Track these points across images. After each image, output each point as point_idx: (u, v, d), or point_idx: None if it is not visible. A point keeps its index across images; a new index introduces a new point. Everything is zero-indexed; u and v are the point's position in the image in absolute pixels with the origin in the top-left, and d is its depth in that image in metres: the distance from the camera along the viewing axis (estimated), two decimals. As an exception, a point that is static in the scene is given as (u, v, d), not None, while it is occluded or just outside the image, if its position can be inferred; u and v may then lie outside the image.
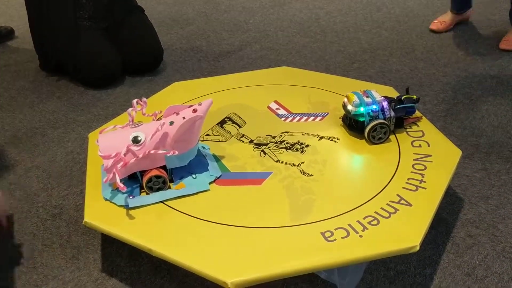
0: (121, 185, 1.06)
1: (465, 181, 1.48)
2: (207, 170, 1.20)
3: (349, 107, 1.29)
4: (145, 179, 1.13)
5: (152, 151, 1.10)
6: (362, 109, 1.27)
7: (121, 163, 1.08)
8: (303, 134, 1.35)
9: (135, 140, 1.10)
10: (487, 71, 2.12)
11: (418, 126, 1.36)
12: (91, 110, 1.97)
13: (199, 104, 1.15)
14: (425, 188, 1.13)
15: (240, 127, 1.40)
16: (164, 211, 1.10)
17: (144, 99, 1.20)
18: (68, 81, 2.19)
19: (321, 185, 1.15)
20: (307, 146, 1.30)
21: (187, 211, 1.09)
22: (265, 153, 1.28)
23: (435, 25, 2.53)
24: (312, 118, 1.43)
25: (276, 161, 1.25)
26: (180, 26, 2.74)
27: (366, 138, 1.28)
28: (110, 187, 1.16)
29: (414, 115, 1.36)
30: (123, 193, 1.13)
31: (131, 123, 1.17)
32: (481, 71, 2.13)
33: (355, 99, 1.27)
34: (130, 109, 1.18)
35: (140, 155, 1.10)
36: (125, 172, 1.11)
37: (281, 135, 1.35)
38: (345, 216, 1.06)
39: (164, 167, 1.14)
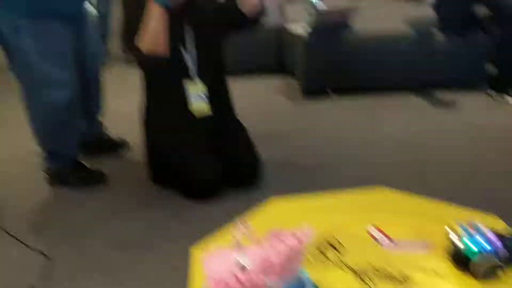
0: None
1: None
2: None
3: (458, 243, 1.24)
4: None
5: (257, 279, 1.11)
6: (472, 248, 1.21)
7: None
8: (406, 266, 1.30)
9: (241, 267, 1.13)
10: None
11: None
12: (192, 221, 2.05)
13: (302, 233, 1.17)
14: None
15: (340, 252, 1.39)
16: None
17: (249, 222, 1.25)
18: (173, 192, 2.31)
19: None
20: (411, 280, 1.25)
21: None
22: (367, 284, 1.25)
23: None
24: (416, 247, 1.38)
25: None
26: (277, 141, 2.82)
27: (477, 278, 1.21)
28: None
29: None
30: None
31: (238, 246, 1.20)
32: None
33: (463, 234, 1.23)
34: (236, 231, 1.22)
35: (247, 284, 1.11)
36: None
37: (383, 265, 1.31)
38: None
39: None
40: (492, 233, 1.23)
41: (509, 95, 3.11)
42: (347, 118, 3.09)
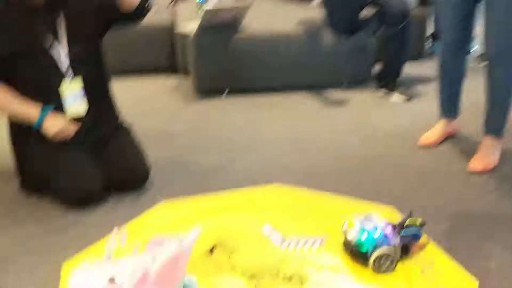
0: None
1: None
2: None
3: (349, 237, 1.18)
4: None
5: None
6: (363, 239, 1.16)
7: None
8: (301, 264, 1.22)
9: (112, 282, 0.97)
10: (485, 186, 2.06)
11: (425, 251, 1.25)
12: (69, 233, 1.84)
13: (185, 236, 1.04)
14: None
15: (231, 255, 1.28)
16: None
17: (125, 230, 1.09)
18: (49, 201, 2.07)
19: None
20: (307, 278, 1.17)
21: None
22: None
23: (425, 140, 2.51)
24: (309, 243, 1.31)
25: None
26: (168, 142, 2.69)
27: (372, 269, 1.16)
28: None
29: (420, 240, 1.25)
30: None
31: (109, 258, 1.04)
32: (480, 185, 2.07)
33: (356, 226, 1.17)
34: (109, 243, 1.06)
35: None
36: None
37: (277, 265, 1.22)
38: None
39: None
40: (386, 223, 1.19)
41: (394, 93, 3.23)
42: (240, 118, 3.01)
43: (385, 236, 1.17)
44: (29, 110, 1.99)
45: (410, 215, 1.26)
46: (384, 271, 1.16)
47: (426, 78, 3.59)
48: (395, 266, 1.17)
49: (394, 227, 1.20)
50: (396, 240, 1.18)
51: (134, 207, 2.00)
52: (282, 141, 2.65)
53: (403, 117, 2.91)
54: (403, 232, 1.20)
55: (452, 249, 1.62)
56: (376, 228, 1.17)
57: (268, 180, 2.17)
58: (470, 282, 1.15)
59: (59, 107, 2.05)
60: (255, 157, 2.46)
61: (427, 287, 1.12)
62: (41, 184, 2.10)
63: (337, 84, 3.48)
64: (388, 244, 1.16)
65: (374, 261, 1.15)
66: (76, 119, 2.08)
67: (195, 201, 1.60)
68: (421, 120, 2.84)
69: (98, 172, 2.07)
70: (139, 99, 3.43)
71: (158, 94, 3.50)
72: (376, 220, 1.20)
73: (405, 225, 1.22)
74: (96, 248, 1.33)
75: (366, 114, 2.98)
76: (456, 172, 2.21)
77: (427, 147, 2.49)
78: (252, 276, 1.18)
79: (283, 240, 1.32)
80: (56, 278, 1.55)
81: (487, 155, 2.24)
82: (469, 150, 2.40)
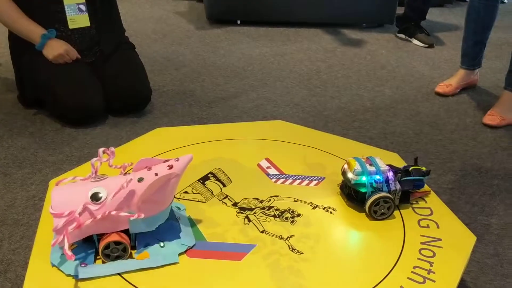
0: (69, 253, 0.86)
1: (475, 267, 1.30)
2: (179, 237, 1.01)
3: (350, 175, 1.12)
4: (102, 244, 0.93)
5: (113, 212, 0.92)
6: (364, 179, 1.10)
7: (74, 224, 0.90)
8: (295, 201, 1.18)
9: (95, 197, 0.92)
10: (498, 142, 1.98)
11: (425, 202, 1.19)
12: (64, 150, 1.80)
13: (176, 160, 0.97)
14: (434, 281, 0.95)
15: (224, 186, 1.23)
16: (121, 287, 0.91)
17: (112, 148, 1.03)
18: (46, 116, 2.03)
19: (312, 267, 0.97)
20: (298, 215, 1.12)
21: (145, 286, 0.90)
22: (249, 220, 1.10)
23: (441, 88, 2.41)
24: (306, 182, 1.26)
25: (262, 232, 1.07)
26: (174, 68, 2.61)
27: (367, 212, 1.11)
28: (61, 250, 0.96)
29: (422, 189, 1.19)
30: (76, 259, 0.94)
31: (94, 175, 0.99)
32: (491, 141, 1.98)
33: (357, 166, 1.11)
34: (95, 159, 1.00)
35: (99, 216, 0.91)
36: (78, 235, 0.92)
37: (270, 200, 1.18)
38: (338, 311, 0.87)
39: (126, 231, 0.96)
40: (389, 168, 1.12)
41: (415, 38, 3.09)
42: (252, 49, 2.90)
43: (386, 180, 1.11)
44: (32, 32, 1.91)
45: (415, 163, 1.20)
46: (380, 216, 1.11)
47: (451, 26, 3.43)
48: (392, 212, 1.12)
49: (396, 172, 1.14)
50: (396, 186, 1.12)
51: (133, 130, 1.95)
52: (294, 77, 2.55)
53: (422, 64, 2.78)
54: (405, 179, 1.14)
55: (454, 202, 1.58)
56: (377, 172, 1.11)
57: (275, 116, 2.11)
58: (468, 237, 1.09)
59: (62, 21, 1.96)
60: (264, 91, 2.37)
61: (422, 238, 1.07)
62: (40, 97, 2.05)
63: (355, 24, 3.33)
64: (388, 189, 1.11)
65: (371, 204, 1.09)
66: (79, 30, 1.99)
67: (194, 129, 1.54)
68: (440, 68, 2.72)
69: (98, 87, 2.00)
70: (147, 20, 3.32)
71: (168, 16, 3.38)
72: (379, 163, 1.13)
73: (410, 170, 1.16)
74: (82, 169, 1.30)
75: (383, 57, 2.85)
76: (469, 124, 2.12)
77: (443, 96, 2.39)
78: (244, 209, 1.14)
79: (280, 176, 1.27)
80: (45, 193, 1.54)
81: (504, 110, 2.14)
82: (486, 104, 2.30)
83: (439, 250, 1.04)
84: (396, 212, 1.14)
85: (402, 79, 2.57)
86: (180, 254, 0.98)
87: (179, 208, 1.11)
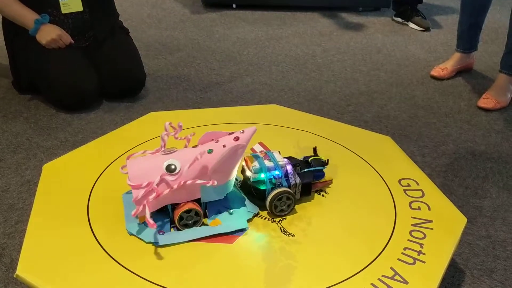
0: (151, 221, 0.91)
1: (467, 249, 1.31)
2: (244, 205, 1.06)
3: (248, 173, 1.07)
4: (178, 213, 0.98)
5: (189, 182, 0.96)
6: (263, 176, 1.06)
7: (154, 195, 0.94)
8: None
9: (169, 169, 0.96)
10: (492, 125, 1.98)
11: (417, 184, 1.20)
12: (59, 135, 1.80)
13: (242, 132, 1.01)
14: (424, 262, 0.96)
15: (217, 170, 1.23)
16: (116, 270, 0.91)
17: (180, 123, 1.06)
18: (40, 101, 2.03)
19: (303, 250, 0.98)
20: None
21: (138, 270, 0.91)
22: (242, 204, 1.11)
23: (437, 71, 2.41)
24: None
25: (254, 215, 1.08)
26: (169, 52, 2.60)
27: (268, 209, 1.07)
28: (136, 220, 1.00)
29: (323, 179, 1.15)
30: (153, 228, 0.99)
31: (163, 148, 1.03)
32: (485, 124, 1.99)
33: (255, 163, 1.06)
34: (164, 133, 1.04)
35: (175, 186, 0.95)
36: (156, 205, 0.97)
37: (263, 183, 1.18)
38: (329, 292, 0.88)
39: (197, 201, 1.00)
40: (287, 162, 1.09)
41: (412, 21, 3.08)
42: (248, 33, 2.89)
43: (286, 175, 1.07)
44: (25, 17, 1.90)
45: (314, 153, 1.17)
46: (281, 211, 1.07)
47: (448, 9, 3.42)
48: (293, 206, 1.08)
49: (295, 165, 1.10)
50: (296, 179, 1.08)
51: (127, 115, 1.95)
52: (289, 61, 2.54)
53: (418, 47, 2.77)
54: (304, 170, 1.10)
55: (448, 185, 1.59)
56: (276, 167, 1.06)
57: (270, 100, 2.11)
58: (459, 219, 1.10)
59: (55, 6, 1.95)
60: (259, 75, 2.37)
61: (413, 220, 1.08)
62: (34, 83, 2.04)
63: (352, 8, 3.32)
64: (288, 184, 1.07)
65: (272, 200, 1.05)
66: (72, 14, 1.98)
67: (188, 113, 1.54)
68: (436, 52, 2.72)
69: (92, 72, 2.00)
70: (142, 4, 3.30)
71: (163, 1, 3.37)
72: (277, 158, 1.09)
73: (309, 161, 1.12)
74: (80, 151, 1.30)
75: (380, 41, 2.84)
76: (464, 108, 2.12)
77: (438, 79, 2.38)
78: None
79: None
80: (39, 178, 1.54)
81: (499, 94, 2.14)
82: (481, 87, 2.30)
83: (429, 232, 1.05)
84: (387, 195, 1.15)
85: (397, 62, 2.57)
86: (248, 220, 1.02)
87: (237, 180, 1.13)
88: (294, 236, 1.01)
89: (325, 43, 2.79)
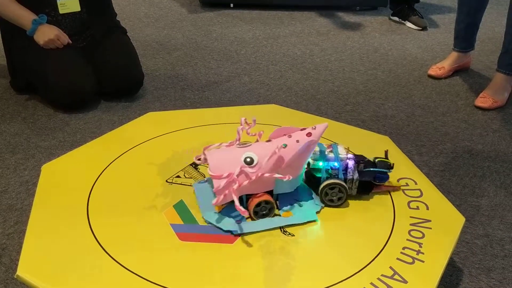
0: (242, 208, 0.96)
1: (465, 248, 1.32)
2: (312, 198, 1.10)
3: (309, 159, 1.11)
4: (253, 204, 1.02)
5: (267, 174, 1.00)
6: (321, 164, 1.09)
7: (236, 185, 0.99)
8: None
9: (247, 162, 1.01)
10: (489, 124, 1.99)
11: (415, 183, 1.21)
12: (57, 135, 1.80)
13: (313, 128, 1.05)
14: (423, 262, 0.97)
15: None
16: (115, 270, 0.92)
17: (254, 117, 1.12)
18: (38, 101, 2.03)
19: (303, 249, 0.99)
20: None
21: (138, 270, 0.91)
22: (241, 204, 1.11)
23: (434, 70, 2.41)
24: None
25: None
26: (166, 51, 2.60)
27: (319, 196, 1.10)
28: (213, 209, 1.05)
29: (389, 183, 1.16)
30: (229, 217, 1.03)
31: (238, 142, 1.09)
32: (482, 123, 2.00)
33: (316, 151, 1.11)
34: (240, 127, 1.10)
35: (253, 178, 1.00)
36: (236, 194, 1.01)
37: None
38: (329, 291, 0.89)
39: (269, 192, 1.05)
40: (350, 157, 1.11)
41: (409, 20, 3.08)
42: (245, 32, 2.89)
43: (345, 168, 1.09)
44: (23, 17, 1.90)
45: (386, 156, 1.17)
46: (331, 202, 1.09)
47: (445, 8, 3.42)
48: (345, 200, 1.09)
49: (359, 162, 1.11)
50: (354, 175, 1.09)
51: (125, 115, 1.95)
52: (287, 61, 2.54)
53: (415, 46, 2.78)
54: (366, 170, 1.11)
55: (445, 184, 1.59)
56: (335, 158, 1.10)
57: (268, 100, 2.12)
58: (457, 218, 1.11)
59: (52, 6, 1.95)
60: (257, 74, 2.37)
61: (411, 220, 1.08)
62: (32, 83, 2.04)
63: (349, 7, 3.32)
64: (344, 177, 1.09)
65: (323, 189, 1.08)
66: (69, 14, 1.98)
67: (186, 113, 1.54)
68: (433, 51, 2.73)
69: (89, 72, 2.00)
70: (140, 3, 3.30)
71: (160, 0, 3.35)
72: (339, 151, 1.12)
73: (375, 161, 1.13)
74: (79, 151, 1.30)
75: (377, 40, 2.85)
76: (461, 107, 2.13)
77: (436, 78, 2.39)
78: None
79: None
80: (38, 179, 1.54)
81: (496, 93, 2.15)
82: (478, 86, 2.31)
83: (428, 231, 1.05)
84: (386, 194, 1.15)
85: (395, 62, 2.58)
86: (316, 212, 1.06)
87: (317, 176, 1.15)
88: (293, 235, 1.02)
89: (323, 43, 2.80)
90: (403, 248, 1.00)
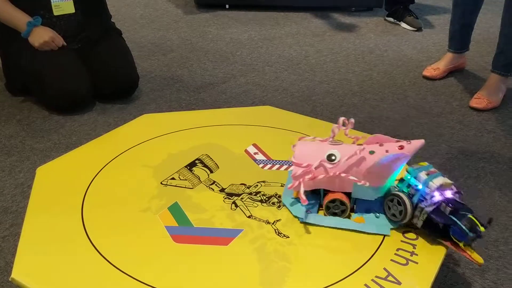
0: (303, 197, 1.01)
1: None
2: None
3: (409, 168, 1.06)
4: (327, 199, 1.06)
5: (343, 174, 1.02)
6: (408, 177, 1.04)
7: (310, 175, 1.03)
8: (282, 186, 1.19)
9: (330, 158, 1.04)
10: (484, 125, 2.00)
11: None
12: (52, 137, 1.79)
13: (408, 142, 1.03)
14: (417, 263, 0.97)
15: (211, 172, 1.24)
16: (111, 273, 0.92)
17: (352, 120, 1.12)
18: (33, 103, 2.02)
19: (298, 251, 0.99)
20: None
21: (134, 272, 0.91)
22: (236, 206, 1.11)
23: (429, 71, 2.42)
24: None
25: (249, 217, 1.08)
26: (162, 53, 2.60)
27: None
28: (291, 195, 1.10)
29: (470, 252, 0.99)
30: (302, 206, 1.07)
31: (331, 139, 1.11)
32: (477, 124, 2.00)
33: (416, 166, 1.05)
34: (335, 126, 1.11)
35: (330, 174, 1.03)
36: (311, 185, 1.06)
37: (257, 185, 1.19)
38: (323, 293, 0.89)
39: (348, 194, 1.06)
40: (447, 189, 1.01)
41: (404, 21, 3.09)
42: (240, 33, 2.89)
43: (428, 195, 0.99)
44: (17, 19, 1.90)
45: (489, 222, 1.02)
46: (394, 217, 1.03)
47: (440, 9, 3.43)
48: (402, 220, 1.01)
49: (449, 203, 0.99)
50: (428, 207, 0.98)
51: (120, 116, 1.95)
52: (282, 62, 2.55)
53: (410, 47, 2.79)
54: (451, 216, 0.98)
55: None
56: (425, 182, 1.00)
57: (264, 101, 2.12)
58: (452, 220, 1.11)
59: (47, 8, 1.94)
60: (252, 76, 2.38)
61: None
62: (27, 85, 2.03)
63: (344, 8, 3.33)
64: (416, 202, 1.00)
65: (386, 199, 1.05)
66: (64, 16, 1.98)
67: (181, 115, 1.54)
68: (428, 52, 2.73)
69: (85, 74, 2.00)
70: (135, 5, 3.30)
71: (156, 1, 3.36)
72: (435, 180, 1.00)
73: (467, 215, 0.99)
74: (73, 154, 1.30)
75: (372, 41, 2.86)
76: (456, 108, 2.14)
77: (431, 79, 2.40)
78: (231, 194, 1.15)
79: (267, 162, 1.28)
80: (33, 181, 1.54)
81: (491, 94, 2.16)
82: (473, 87, 2.31)
83: (422, 232, 1.06)
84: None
85: (390, 63, 2.58)
86: (391, 228, 1.03)
87: (396, 187, 1.10)
88: (288, 237, 1.02)
89: (318, 44, 2.80)
90: (397, 250, 1.00)
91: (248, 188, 1.17)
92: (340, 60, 2.60)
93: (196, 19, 3.08)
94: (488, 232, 1.40)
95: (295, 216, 1.06)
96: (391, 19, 3.17)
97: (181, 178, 1.20)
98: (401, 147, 1.01)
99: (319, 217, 1.06)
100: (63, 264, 0.93)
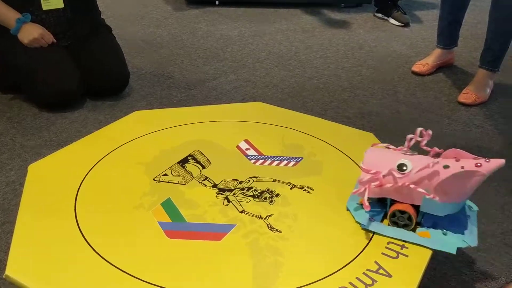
0: (367, 203, 0.99)
1: (448, 242, 1.35)
2: (463, 233, 1.03)
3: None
4: (392, 209, 1.03)
5: (412, 186, 1.00)
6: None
7: (377, 182, 1.02)
8: (273, 181, 1.20)
9: (400, 167, 1.02)
10: (472, 120, 2.03)
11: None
12: (43, 134, 1.79)
13: (487, 160, 0.99)
14: (407, 256, 0.99)
15: (203, 168, 1.25)
16: (105, 269, 0.92)
17: (430, 131, 1.09)
18: (23, 101, 2.01)
19: (290, 245, 1.00)
20: (277, 195, 1.15)
21: (127, 268, 0.92)
22: (229, 201, 1.12)
23: (418, 67, 2.44)
24: (284, 162, 1.28)
25: (241, 212, 1.09)
26: (152, 49, 2.59)
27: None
28: (357, 200, 1.08)
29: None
30: (366, 212, 1.06)
31: (405, 149, 1.08)
32: (465, 119, 2.03)
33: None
34: (410, 136, 1.09)
35: (399, 184, 1.01)
36: (377, 193, 1.04)
37: (249, 180, 1.20)
38: (314, 286, 0.90)
39: (417, 207, 1.03)
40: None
41: (392, 17, 3.11)
42: (231, 30, 2.89)
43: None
44: (6, 16, 1.89)
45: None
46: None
47: (429, 4, 3.46)
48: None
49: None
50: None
51: (111, 114, 1.95)
52: (272, 58, 2.56)
53: (399, 43, 2.81)
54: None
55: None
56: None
57: (254, 97, 2.13)
58: (441, 213, 1.13)
59: (36, 4, 1.93)
60: (243, 72, 2.38)
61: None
62: (17, 82, 2.02)
63: (334, 4, 3.34)
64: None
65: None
66: (53, 12, 1.97)
67: (172, 111, 1.55)
68: (417, 47, 2.76)
69: (75, 71, 1.99)
70: (124, 1, 3.28)
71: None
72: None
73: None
74: (64, 151, 1.30)
75: (362, 37, 2.87)
76: (444, 103, 2.16)
77: (419, 75, 2.42)
78: (223, 190, 1.16)
79: (259, 157, 1.29)
80: (25, 178, 1.53)
81: (478, 89, 2.18)
82: (461, 82, 2.34)
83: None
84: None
85: (379, 59, 2.60)
86: (458, 248, 0.99)
87: (471, 207, 1.11)
88: (280, 232, 1.03)
89: (308, 40, 2.81)
90: (388, 243, 1.02)
91: (240, 183, 1.18)
92: (330, 56, 2.61)
93: (186, 15, 3.08)
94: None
95: (357, 222, 1.04)
96: (380, 15, 3.19)
97: (174, 174, 1.21)
98: (478, 165, 0.98)
99: (382, 226, 1.04)
100: (57, 261, 0.94)
